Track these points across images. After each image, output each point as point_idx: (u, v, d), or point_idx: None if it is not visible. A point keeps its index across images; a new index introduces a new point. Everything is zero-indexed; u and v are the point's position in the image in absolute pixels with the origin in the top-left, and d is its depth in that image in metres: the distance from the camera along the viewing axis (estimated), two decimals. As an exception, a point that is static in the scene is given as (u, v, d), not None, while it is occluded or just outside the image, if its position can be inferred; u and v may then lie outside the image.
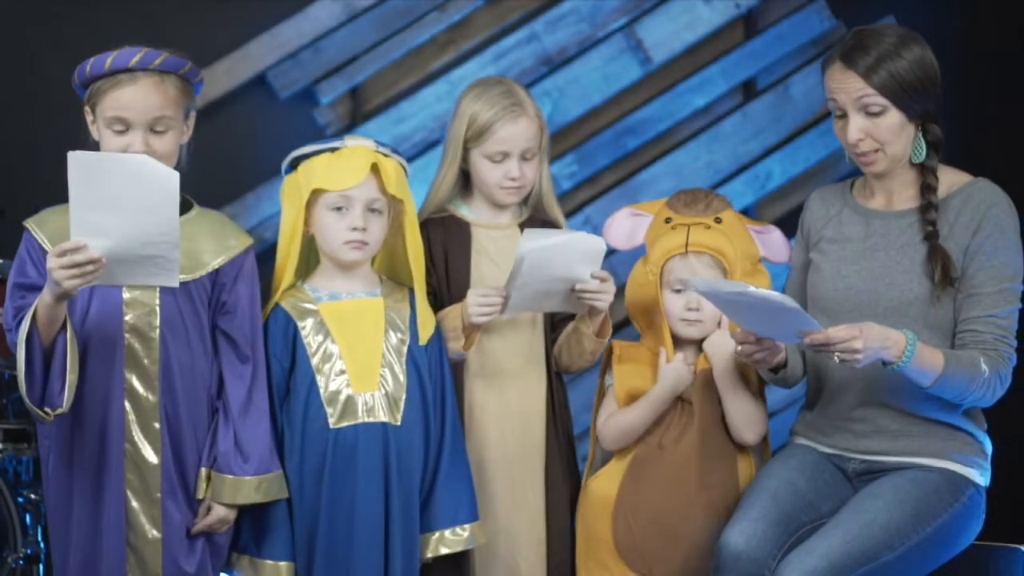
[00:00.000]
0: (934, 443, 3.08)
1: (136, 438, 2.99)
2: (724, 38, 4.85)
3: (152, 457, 2.99)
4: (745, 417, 3.21)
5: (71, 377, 2.88)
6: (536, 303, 3.22)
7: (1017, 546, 3.44)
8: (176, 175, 2.78)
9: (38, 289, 2.91)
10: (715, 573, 2.99)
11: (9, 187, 4.48)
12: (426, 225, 3.34)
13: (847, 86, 3.05)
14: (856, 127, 3.06)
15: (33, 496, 4.09)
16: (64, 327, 2.88)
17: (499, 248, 3.33)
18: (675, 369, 3.21)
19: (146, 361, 2.99)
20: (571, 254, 3.11)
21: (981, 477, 3.11)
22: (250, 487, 3.01)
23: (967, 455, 3.09)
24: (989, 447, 3.14)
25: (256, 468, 3.01)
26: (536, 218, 3.40)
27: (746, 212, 4.76)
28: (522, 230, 3.35)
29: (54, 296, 2.82)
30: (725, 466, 3.22)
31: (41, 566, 4.09)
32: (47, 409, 2.90)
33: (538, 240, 3.09)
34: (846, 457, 3.15)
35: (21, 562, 4.04)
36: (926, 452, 3.08)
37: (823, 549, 2.92)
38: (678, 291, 3.25)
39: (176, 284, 2.85)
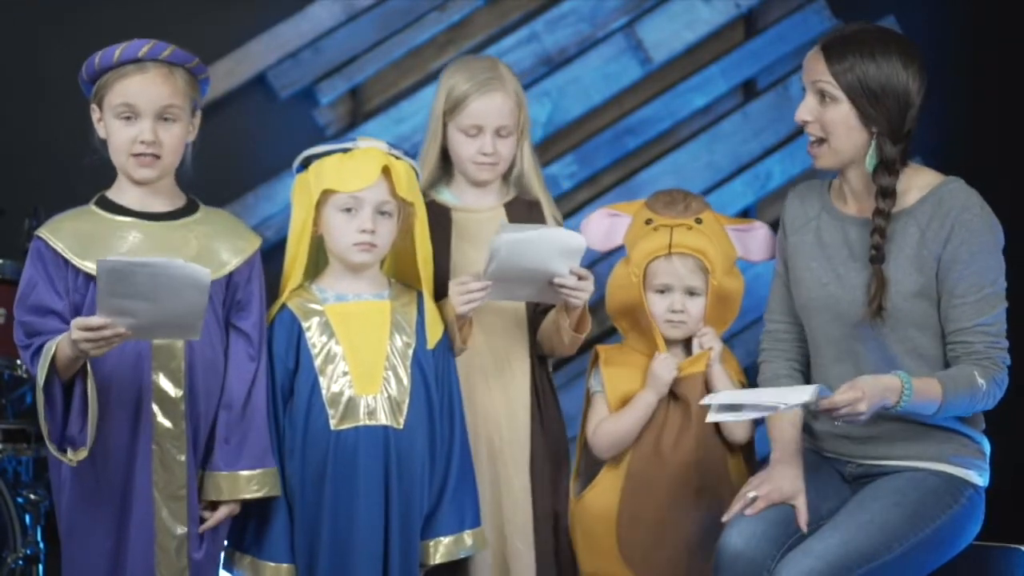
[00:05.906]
0: (931, 447, 3.08)
1: (162, 438, 2.99)
2: (724, 38, 4.85)
3: (179, 455, 2.99)
4: None
5: (92, 419, 2.88)
6: (513, 292, 3.18)
7: (1017, 546, 3.44)
8: (208, 273, 2.76)
9: (50, 312, 2.93)
10: (715, 573, 2.99)
11: (9, 187, 4.48)
12: None
13: (811, 67, 3.05)
14: (806, 107, 3.06)
15: (33, 496, 4.09)
16: (83, 367, 2.88)
17: (483, 231, 3.26)
18: (661, 363, 3.21)
19: (172, 362, 2.99)
20: (548, 248, 3.07)
21: (980, 478, 3.10)
22: (244, 482, 3.01)
23: (964, 456, 3.09)
24: (988, 448, 3.14)
25: (248, 463, 3.01)
26: (521, 199, 3.37)
27: (746, 212, 4.77)
28: (507, 211, 3.34)
29: (76, 355, 2.83)
30: (719, 467, 3.22)
31: (41, 566, 4.09)
32: (68, 451, 2.90)
33: (513, 233, 3.06)
34: (843, 460, 3.15)
35: (21, 562, 4.04)
36: (924, 456, 3.07)
37: (821, 550, 2.91)
38: (661, 292, 3.25)
39: (199, 337, 2.86)
